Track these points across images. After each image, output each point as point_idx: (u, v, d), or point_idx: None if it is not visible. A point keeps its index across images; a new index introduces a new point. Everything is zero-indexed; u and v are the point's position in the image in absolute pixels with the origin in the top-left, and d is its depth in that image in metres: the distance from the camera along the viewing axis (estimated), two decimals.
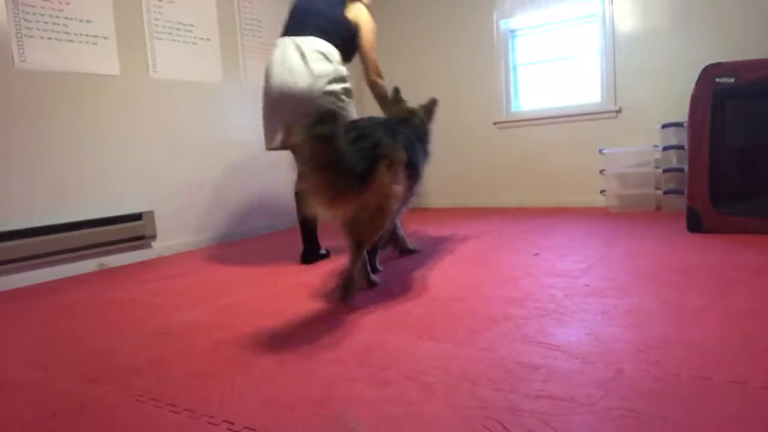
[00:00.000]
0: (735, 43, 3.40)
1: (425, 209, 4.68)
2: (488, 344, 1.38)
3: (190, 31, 3.46)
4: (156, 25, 3.25)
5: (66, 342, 1.69)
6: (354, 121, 2.05)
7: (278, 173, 4.11)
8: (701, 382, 1.09)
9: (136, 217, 3.08)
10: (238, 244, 3.55)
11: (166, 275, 2.66)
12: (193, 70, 3.49)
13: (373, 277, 2.10)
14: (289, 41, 2.48)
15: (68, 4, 2.83)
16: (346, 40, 2.51)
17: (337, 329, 1.60)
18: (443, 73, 4.60)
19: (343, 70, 2.49)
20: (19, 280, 2.63)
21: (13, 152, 2.63)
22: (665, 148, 3.53)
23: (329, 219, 1.77)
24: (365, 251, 1.98)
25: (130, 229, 3.04)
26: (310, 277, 2.35)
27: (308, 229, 2.67)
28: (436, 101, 2.54)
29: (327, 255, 2.77)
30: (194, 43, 3.48)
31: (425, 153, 2.31)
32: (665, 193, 3.56)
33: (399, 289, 2.02)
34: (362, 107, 3.89)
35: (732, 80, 2.61)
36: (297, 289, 2.16)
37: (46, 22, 2.74)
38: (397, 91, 2.60)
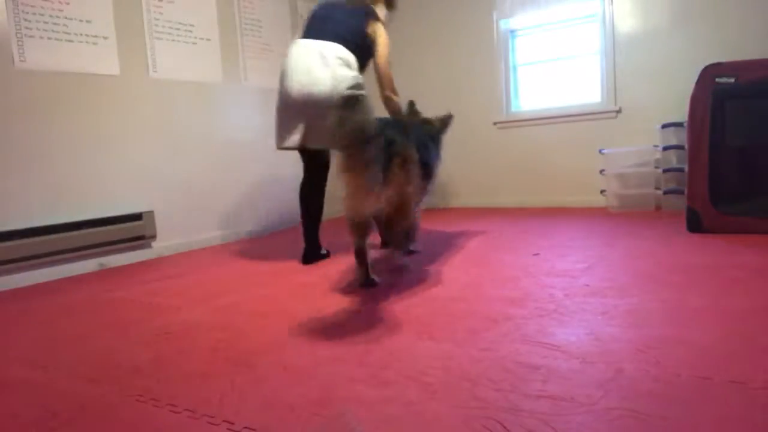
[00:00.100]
0: (735, 43, 3.40)
1: (425, 210, 4.68)
2: (488, 344, 1.38)
3: (190, 31, 3.46)
4: (156, 25, 3.25)
5: (66, 342, 1.69)
6: None
7: (278, 173, 4.12)
8: (701, 382, 1.09)
9: (136, 217, 3.08)
10: (238, 244, 3.55)
11: (166, 275, 2.66)
12: (193, 70, 3.49)
13: (373, 276, 2.10)
14: (309, 43, 2.49)
15: (68, 4, 2.83)
16: (362, 52, 2.54)
17: (337, 329, 1.60)
18: (443, 73, 4.60)
19: (361, 78, 2.51)
20: (19, 280, 2.63)
21: (13, 152, 2.63)
22: (665, 148, 3.53)
23: (360, 213, 1.90)
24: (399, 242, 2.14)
25: (130, 229, 3.04)
26: (310, 277, 2.35)
27: (310, 228, 2.68)
28: (451, 116, 2.63)
29: (327, 255, 2.77)
30: (194, 43, 3.48)
31: (438, 154, 2.39)
32: (665, 193, 3.56)
33: (399, 289, 2.02)
34: None
35: (732, 80, 2.61)
36: (297, 289, 2.16)
37: (46, 22, 2.74)
38: (412, 104, 2.66)
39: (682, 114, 3.15)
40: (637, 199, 3.70)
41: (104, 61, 2.99)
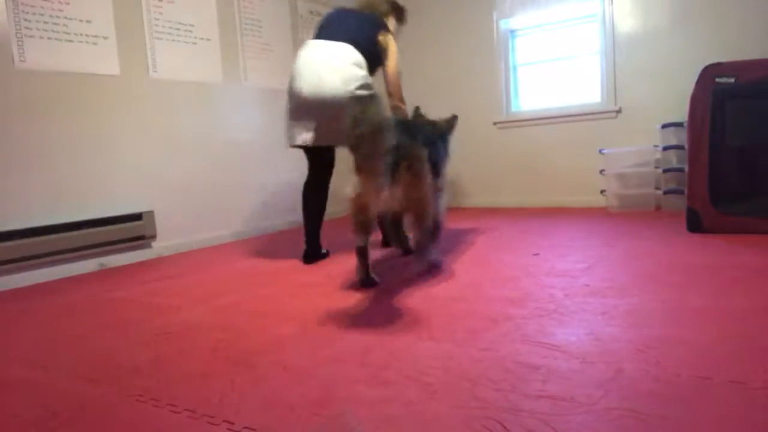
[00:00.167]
0: (735, 43, 3.40)
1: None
2: (488, 344, 1.38)
3: (190, 31, 3.46)
4: (156, 25, 3.25)
5: (66, 342, 1.69)
6: None
7: (278, 173, 4.12)
8: (701, 382, 1.09)
9: (136, 217, 3.08)
10: (238, 244, 3.55)
11: (166, 275, 2.66)
12: (193, 70, 3.49)
13: (373, 275, 2.10)
14: (321, 43, 2.53)
15: (68, 4, 2.83)
16: (372, 58, 2.58)
17: (337, 329, 1.60)
18: (443, 73, 4.61)
19: (371, 79, 2.55)
20: (19, 280, 2.63)
21: (13, 152, 2.63)
22: (665, 148, 3.53)
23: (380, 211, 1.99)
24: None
25: (130, 229, 3.04)
26: (310, 277, 2.35)
27: (311, 227, 2.68)
28: (456, 117, 2.67)
29: (327, 255, 2.78)
30: (194, 43, 3.48)
31: (446, 152, 2.46)
32: (665, 193, 3.56)
33: (399, 288, 2.02)
34: None
35: (732, 80, 2.61)
36: (297, 289, 2.16)
37: (46, 22, 2.74)
38: (417, 109, 2.72)
39: (682, 114, 3.15)
40: (637, 199, 3.70)
41: (104, 61, 2.99)
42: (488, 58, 4.38)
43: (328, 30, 2.59)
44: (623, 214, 3.55)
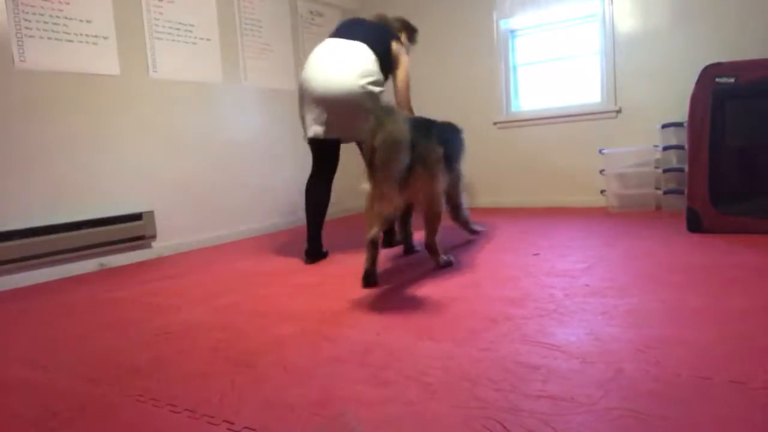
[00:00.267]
0: (735, 43, 3.40)
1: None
2: (488, 344, 1.38)
3: (190, 31, 3.46)
4: (156, 25, 3.25)
5: (66, 342, 1.69)
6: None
7: (278, 173, 4.12)
8: (701, 382, 1.09)
9: (136, 217, 3.08)
10: (238, 243, 3.55)
11: (166, 275, 2.66)
12: (193, 70, 3.49)
13: (376, 271, 2.13)
14: (336, 41, 2.59)
15: (68, 4, 2.83)
16: (384, 64, 2.62)
17: (337, 329, 1.60)
18: (443, 72, 4.60)
19: (382, 78, 2.60)
20: (19, 280, 2.63)
21: (13, 152, 2.63)
22: (665, 148, 3.53)
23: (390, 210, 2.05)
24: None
25: (130, 229, 3.04)
26: (310, 277, 2.35)
27: (314, 225, 2.68)
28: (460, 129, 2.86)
29: (326, 255, 2.78)
30: (194, 43, 3.48)
31: (461, 146, 2.59)
32: (665, 193, 3.56)
33: (399, 289, 2.02)
34: None
35: (732, 80, 2.61)
36: (297, 289, 2.16)
37: (46, 22, 2.74)
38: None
39: (682, 114, 3.15)
40: (637, 199, 3.70)
41: (104, 61, 2.99)
42: (488, 58, 4.38)
43: (344, 30, 2.65)
44: (623, 214, 3.55)
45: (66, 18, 2.82)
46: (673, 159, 3.59)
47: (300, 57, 4.32)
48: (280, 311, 1.85)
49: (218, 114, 3.67)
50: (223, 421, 1.08)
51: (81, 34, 2.88)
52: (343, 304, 1.88)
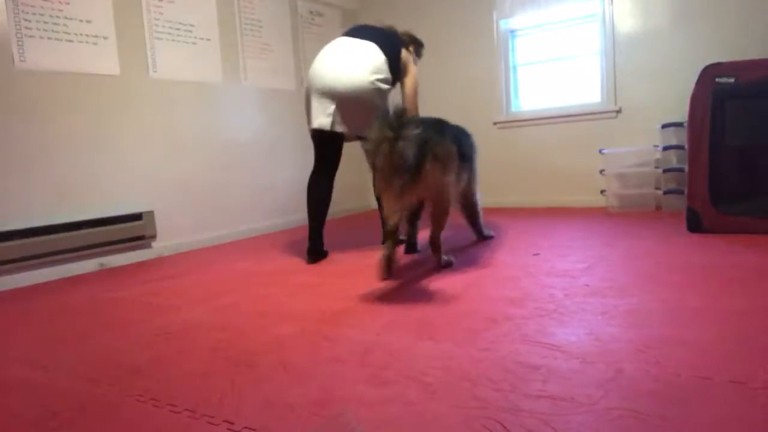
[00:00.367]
0: (735, 43, 3.40)
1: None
2: (488, 344, 1.38)
3: (190, 31, 3.46)
4: (156, 25, 3.25)
5: (66, 342, 1.69)
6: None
7: (279, 173, 4.12)
8: (701, 382, 1.09)
9: (136, 217, 3.08)
10: (238, 243, 3.55)
11: (166, 275, 2.66)
12: (193, 70, 3.49)
13: (392, 259, 2.20)
14: (347, 38, 2.64)
15: (68, 4, 2.83)
16: (393, 67, 2.64)
17: (337, 329, 1.60)
18: (443, 73, 4.60)
19: (391, 78, 2.63)
20: (19, 280, 2.63)
21: (13, 152, 2.63)
22: (665, 148, 3.53)
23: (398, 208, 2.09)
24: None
25: (130, 229, 3.04)
26: (310, 277, 2.35)
27: (316, 223, 2.69)
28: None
29: (326, 254, 2.78)
30: (194, 43, 3.48)
31: (473, 147, 2.67)
32: (665, 193, 3.56)
33: (399, 289, 2.02)
34: None
35: (732, 80, 2.61)
36: (297, 289, 2.16)
37: (46, 22, 2.74)
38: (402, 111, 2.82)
39: (682, 114, 3.15)
40: (637, 199, 3.70)
41: (104, 61, 2.99)
42: (488, 58, 4.38)
43: (355, 32, 2.69)
44: (623, 214, 3.55)
45: (66, 18, 2.82)
46: (673, 159, 3.59)
47: (300, 57, 4.32)
48: (280, 311, 1.85)
49: (218, 114, 3.67)
50: (223, 421, 1.08)
51: (81, 34, 2.88)
52: (343, 304, 1.88)
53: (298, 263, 2.68)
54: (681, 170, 3.41)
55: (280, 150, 4.14)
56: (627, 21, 3.79)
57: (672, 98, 3.58)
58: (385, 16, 4.77)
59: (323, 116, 2.56)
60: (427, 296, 1.89)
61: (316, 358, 1.38)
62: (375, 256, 2.68)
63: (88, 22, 2.92)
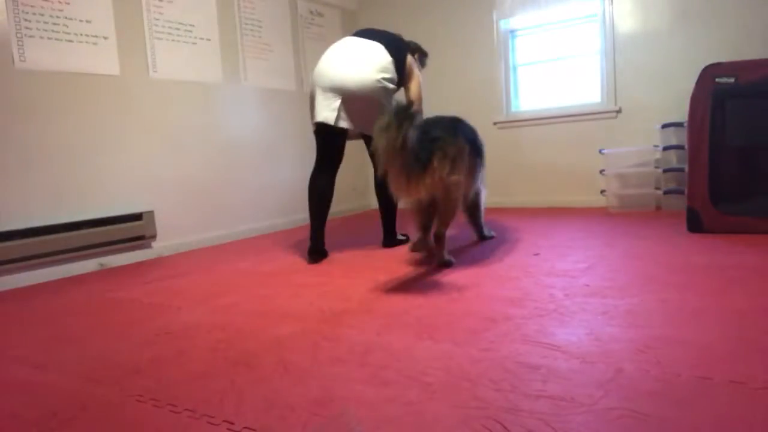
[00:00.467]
0: (735, 43, 3.40)
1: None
2: (488, 344, 1.38)
3: (190, 31, 3.46)
4: (156, 25, 3.25)
5: (66, 342, 1.69)
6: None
7: (278, 173, 4.12)
8: (701, 382, 1.09)
9: (136, 217, 3.08)
10: (238, 243, 3.55)
11: (166, 275, 2.66)
12: (193, 70, 3.49)
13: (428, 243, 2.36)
14: (355, 38, 2.66)
15: (68, 4, 2.83)
16: (398, 71, 2.66)
17: (337, 329, 1.60)
18: (443, 73, 4.60)
19: (396, 78, 2.64)
20: (19, 280, 2.63)
21: (13, 152, 2.63)
22: (665, 148, 3.53)
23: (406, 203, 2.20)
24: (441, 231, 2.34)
25: (130, 229, 3.04)
26: (310, 277, 2.35)
27: (317, 222, 2.69)
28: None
29: (326, 254, 2.78)
30: (194, 43, 3.48)
31: (481, 146, 2.66)
32: (665, 193, 3.56)
33: (399, 289, 2.02)
34: None
35: (732, 80, 2.61)
36: (297, 289, 2.16)
37: (46, 22, 2.74)
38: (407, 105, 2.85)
39: (682, 114, 3.15)
40: (637, 199, 3.70)
41: (104, 61, 2.99)
42: (488, 58, 4.38)
43: (362, 33, 2.71)
44: (623, 214, 3.55)
45: (66, 18, 2.82)
46: (673, 159, 3.59)
47: (300, 57, 4.32)
48: (280, 311, 1.85)
49: (218, 114, 3.67)
50: (223, 421, 1.08)
51: (81, 34, 2.88)
52: (344, 304, 1.88)
53: (299, 263, 2.68)
54: (681, 170, 3.41)
55: (280, 150, 4.14)
56: (627, 21, 3.79)
57: (672, 98, 3.58)
58: (385, 16, 4.79)
59: (328, 110, 2.56)
60: (427, 296, 1.89)
61: (317, 358, 1.38)
62: (375, 256, 2.69)
63: (88, 22, 2.92)
